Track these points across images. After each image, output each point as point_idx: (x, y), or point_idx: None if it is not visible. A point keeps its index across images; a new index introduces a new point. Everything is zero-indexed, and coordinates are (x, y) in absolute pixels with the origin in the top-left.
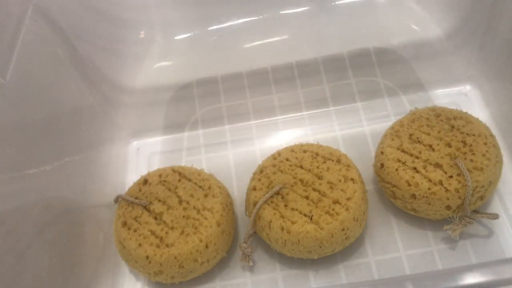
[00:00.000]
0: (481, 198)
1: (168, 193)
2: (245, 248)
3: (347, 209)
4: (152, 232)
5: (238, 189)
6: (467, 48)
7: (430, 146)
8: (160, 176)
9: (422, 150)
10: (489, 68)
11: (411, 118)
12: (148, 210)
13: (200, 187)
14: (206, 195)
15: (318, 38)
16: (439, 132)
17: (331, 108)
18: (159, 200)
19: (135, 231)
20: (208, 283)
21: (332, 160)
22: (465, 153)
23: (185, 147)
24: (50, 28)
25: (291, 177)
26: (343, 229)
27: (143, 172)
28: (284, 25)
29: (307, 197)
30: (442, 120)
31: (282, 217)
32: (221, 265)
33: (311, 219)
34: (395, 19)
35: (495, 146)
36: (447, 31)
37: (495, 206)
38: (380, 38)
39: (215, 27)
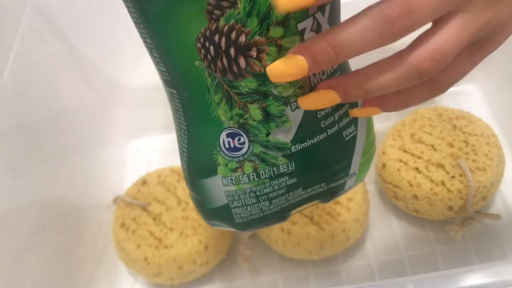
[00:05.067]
0: (484, 198)
1: (167, 194)
2: (245, 249)
3: (348, 210)
4: (151, 233)
5: None
6: None
7: (432, 146)
8: (159, 176)
9: (424, 150)
10: (491, 67)
11: (413, 118)
12: (147, 211)
13: None
14: None
15: None
16: (441, 132)
17: None
18: (158, 201)
19: (134, 232)
20: (208, 285)
21: None
22: (467, 153)
23: None
24: (49, 27)
25: None
26: (344, 230)
27: (142, 172)
28: None
29: None
30: (444, 120)
31: None
32: (220, 267)
33: (311, 220)
34: None
35: (498, 146)
36: None
37: (497, 207)
38: None
39: None
